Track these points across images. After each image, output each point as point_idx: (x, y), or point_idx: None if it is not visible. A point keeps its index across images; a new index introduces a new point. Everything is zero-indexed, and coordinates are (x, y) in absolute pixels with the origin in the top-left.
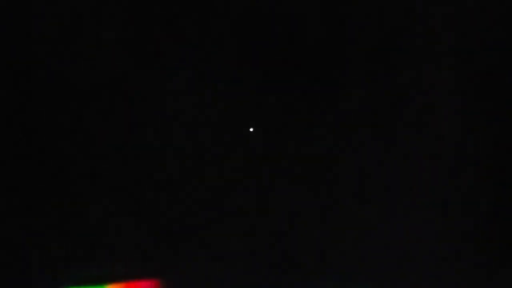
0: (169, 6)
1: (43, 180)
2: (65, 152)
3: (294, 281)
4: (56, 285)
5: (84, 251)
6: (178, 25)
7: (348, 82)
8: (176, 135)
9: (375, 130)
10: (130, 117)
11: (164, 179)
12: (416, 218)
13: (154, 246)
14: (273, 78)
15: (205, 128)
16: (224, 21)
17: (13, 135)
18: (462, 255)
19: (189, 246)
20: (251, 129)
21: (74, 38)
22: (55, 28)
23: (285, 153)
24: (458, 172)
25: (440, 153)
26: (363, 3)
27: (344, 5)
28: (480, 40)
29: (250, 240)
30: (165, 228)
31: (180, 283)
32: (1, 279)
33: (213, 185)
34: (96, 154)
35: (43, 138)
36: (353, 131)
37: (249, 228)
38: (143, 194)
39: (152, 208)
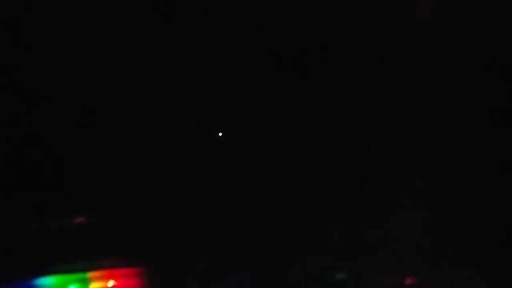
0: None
1: (27, 174)
2: (46, 145)
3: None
4: (39, 275)
5: (68, 241)
6: (175, 24)
7: (348, 83)
8: (162, 126)
9: (376, 130)
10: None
11: (150, 172)
12: (415, 216)
13: (136, 237)
14: (271, 78)
15: (192, 125)
16: (222, 21)
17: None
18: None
19: (171, 237)
20: (220, 134)
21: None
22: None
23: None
24: (458, 172)
25: (440, 153)
26: (363, 3)
27: (344, 5)
28: (480, 40)
29: (232, 234)
30: (147, 219)
31: (161, 272)
32: None
33: (199, 177)
34: (81, 147)
35: (35, 133)
36: (352, 131)
37: (233, 221)
38: (129, 188)
39: (136, 200)
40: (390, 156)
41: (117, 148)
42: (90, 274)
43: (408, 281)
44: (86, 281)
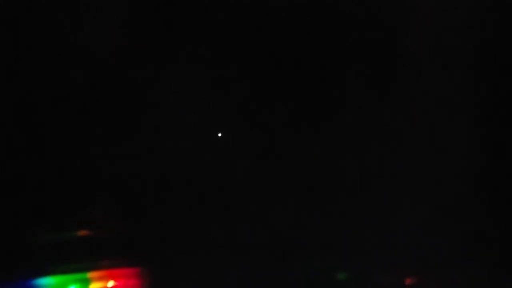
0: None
1: (28, 176)
2: (46, 147)
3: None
4: (39, 275)
5: (68, 241)
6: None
7: (347, 84)
8: (163, 132)
9: (376, 130)
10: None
11: (151, 173)
12: (415, 217)
13: (136, 237)
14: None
15: (193, 126)
16: (221, 22)
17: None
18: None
19: (171, 237)
20: (219, 134)
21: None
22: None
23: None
24: (459, 172)
25: (440, 153)
26: (363, 3)
27: (344, 5)
28: (479, 40)
29: (232, 234)
30: (147, 219)
31: (161, 272)
32: None
33: (199, 178)
34: (80, 149)
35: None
36: (353, 132)
37: (233, 222)
38: (129, 188)
39: (136, 200)
40: (390, 156)
41: (117, 149)
42: (90, 274)
43: (408, 281)
44: (86, 281)
